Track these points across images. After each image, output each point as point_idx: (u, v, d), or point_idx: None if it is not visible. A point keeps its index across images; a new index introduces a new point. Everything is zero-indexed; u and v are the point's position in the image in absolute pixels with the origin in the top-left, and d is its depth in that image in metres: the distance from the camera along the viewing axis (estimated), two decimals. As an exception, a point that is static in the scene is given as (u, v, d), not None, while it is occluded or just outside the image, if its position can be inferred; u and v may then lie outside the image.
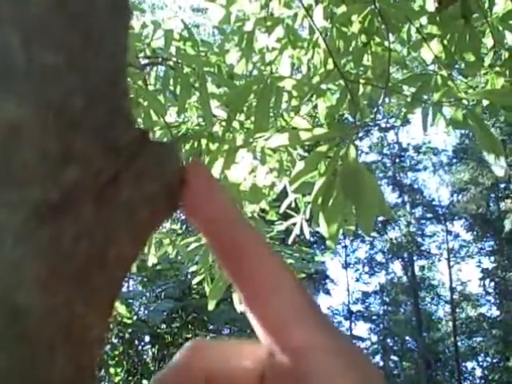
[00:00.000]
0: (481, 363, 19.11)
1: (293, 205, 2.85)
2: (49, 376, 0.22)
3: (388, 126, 19.67)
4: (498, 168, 0.99)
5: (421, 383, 18.42)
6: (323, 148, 1.15)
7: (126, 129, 0.28)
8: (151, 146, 0.29)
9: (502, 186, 18.16)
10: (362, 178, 1.08)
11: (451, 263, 19.60)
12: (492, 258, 18.55)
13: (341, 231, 1.65)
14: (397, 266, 21.65)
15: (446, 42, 1.75)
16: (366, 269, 21.66)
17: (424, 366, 18.61)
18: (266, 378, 0.27)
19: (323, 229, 1.32)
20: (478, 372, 19.27)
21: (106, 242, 0.25)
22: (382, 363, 21.59)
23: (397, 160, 20.43)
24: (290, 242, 3.22)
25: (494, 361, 18.29)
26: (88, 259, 0.24)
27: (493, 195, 18.56)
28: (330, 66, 1.88)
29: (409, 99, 1.81)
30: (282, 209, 2.75)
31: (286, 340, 0.26)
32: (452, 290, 19.38)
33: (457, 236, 20.11)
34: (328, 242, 1.66)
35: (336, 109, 1.79)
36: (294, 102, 2.04)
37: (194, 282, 2.93)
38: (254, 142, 1.33)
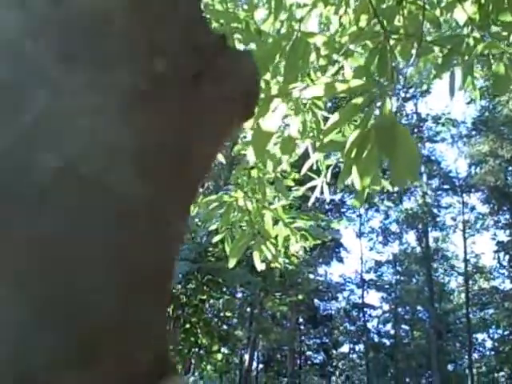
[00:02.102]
0: (491, 335, 19.20)
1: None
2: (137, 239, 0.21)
3: (407, 95, 19.44)
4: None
5: (431, 352, 18.55)
6: (358, 100, 1.14)
7: (206, 29, 0.28)
8: (230, 50, 0.29)
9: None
10: (398, 132, 1.07)
11: (466, 235, 19.55)
12: (508, 232, 18.46)
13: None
14: (411, 237, 21.66)
15: (482, 1, 1.71)
16: (380, 238, 21.68)
17: (435, 336, 18.71)
18: None
19: (356, 182, 1.31)
20: (489, 344, 19.39)
21: (190, 136, 0.25)
22: (392, 332, 21.77)
23: (415, 130, 20.23)
24: (309, 204, 3.22)
25: (505, 333, 18.35)
26: (174, 152, 0.24)
27: (511, 168, 18.37)
28: (362, 23, 1.85)
29: (439, 61, 1.78)
30: (304, 170, 2.75)
31: None
32: (466, 261, 19.36)
33: (473, 208, 20.02)
34: (354, 201, 1.66)
35: (365, 69, 1.76)
36: (322, 62, 2.01)
37: (214, 240, 2.95)
38: (289, 92, 1.32)
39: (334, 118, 1.23)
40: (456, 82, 2.06)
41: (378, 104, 1.11)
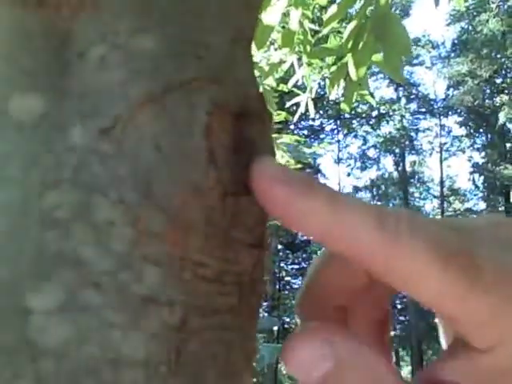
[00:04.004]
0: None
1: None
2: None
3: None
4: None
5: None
6: (355, -8, 1.21)
7: None
8: None
9: (499, 80, 18.08)
10: (393, 22, 1.14)
11: (442, 158, 19.85)
12: (483, 153, 18.81)
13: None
14: (388, 162, 21.95)
15: None
16: (358, 164, 21.91)
17: (409, 258, 19.26)
18: None
19: (352, 72, 1.39)
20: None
21: None
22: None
23: (394, 54, 20.06)
24: (295, 119, 3.30)
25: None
26: None
27: (488, 91, 18.50)
28: None
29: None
30: (290, 84, 2.81)
31: None
32: (442, 184, 19.75)
33: (450, 131, 20.25)
34: (342, 105, 1.75)
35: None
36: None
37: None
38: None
39: (333, 9, 1.29)
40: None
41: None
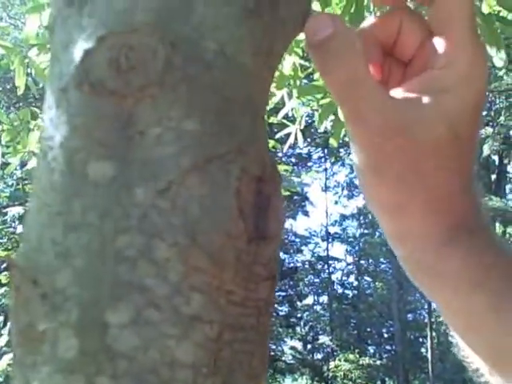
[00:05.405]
0: (450, 284, 19.86)
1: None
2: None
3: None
4: (498, 59, 1.15)
5: (392, 302, 19.21)
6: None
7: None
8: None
9: (484, 113, 18.35)
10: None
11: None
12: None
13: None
14: (375, 191, 22.07)
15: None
16: (345, 192, 22.08)
17: (397, 287, 19.34)
18: None
19: (340, 112, 1.47)
20: (447, 293, 20.08)
21: None
22: (356, 283, 22.39)
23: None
24: (285, 149, 3.39)
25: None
26: None
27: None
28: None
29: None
30: (280, 116, 2.90)
31: None
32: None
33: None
34: (331, 140, 1.83)
35: (342, 18, 1.89)
36: None
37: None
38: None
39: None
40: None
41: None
